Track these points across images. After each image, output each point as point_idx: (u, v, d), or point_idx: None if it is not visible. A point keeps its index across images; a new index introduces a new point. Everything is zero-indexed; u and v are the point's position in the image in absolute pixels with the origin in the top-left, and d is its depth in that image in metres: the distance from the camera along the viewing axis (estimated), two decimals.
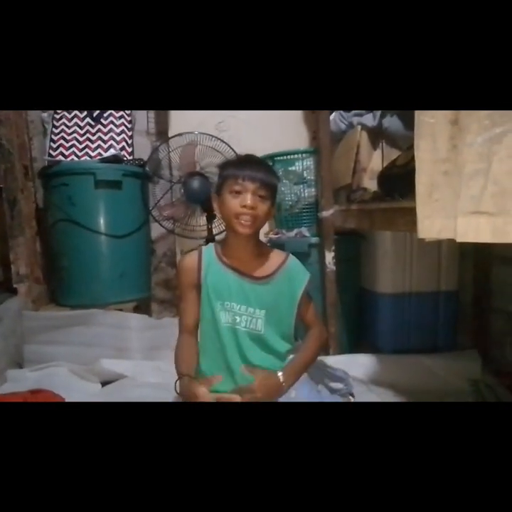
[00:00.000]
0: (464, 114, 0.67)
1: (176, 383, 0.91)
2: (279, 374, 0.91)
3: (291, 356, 1.00)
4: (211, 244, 1.01)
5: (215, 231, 1.77)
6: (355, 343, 1.67)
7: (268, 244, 1.04)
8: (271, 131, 1.96)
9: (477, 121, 0.65)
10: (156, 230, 2.00)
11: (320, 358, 1.08)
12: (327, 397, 0.98)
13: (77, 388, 1.42)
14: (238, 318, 0.93)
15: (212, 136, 1.73)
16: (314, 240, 1.61)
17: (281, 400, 0.91)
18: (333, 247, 1.52)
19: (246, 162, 0.93)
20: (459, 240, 0.67)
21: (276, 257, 0.99)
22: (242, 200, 0.87)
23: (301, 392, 0.93)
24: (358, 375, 1.38)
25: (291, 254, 1.01)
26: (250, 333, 0.94)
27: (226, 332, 0.93)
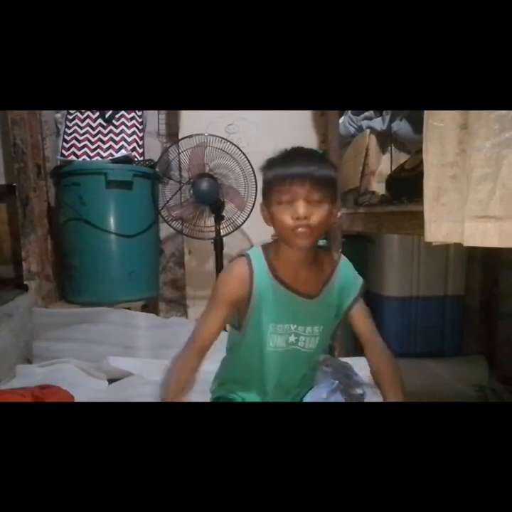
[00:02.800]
0: (473, 119, 0.67)
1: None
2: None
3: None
4: (258, 252, 0.84)
5: (223, 232, 1.78)
6: (361, 346, 1.67)
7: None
8: (280, 133, 1.97)
9: (486, 125, 0.65)
10: (164, 230, 2.02)
11: (344, 359, 1.06)
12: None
13: (84, 385, 1.44)
14: (294, 338, 0.83)
15: (222, 137, 1.74)
16: (322, 242, 1.61)
17: (311, 399, 0.90)
18: (340, 250, 1.52)
19: (290, 160, 0.76)
20: (466, 244, 0.68)
21: (327, 261, 0.86)
22: (293, 211, 0.73)
23: (331, 398, 0.92)
24: (364, 378, 1.38)
25: (343, 256, 0.89)
26: (300, 352, 0.85)
27: (271, 356, 0.84)
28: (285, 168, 0.74)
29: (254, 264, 0.81)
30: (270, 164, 0.79)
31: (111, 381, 1.49)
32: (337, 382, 0.96)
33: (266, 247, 0.84)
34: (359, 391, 1.01)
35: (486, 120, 0.65)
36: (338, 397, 0.94)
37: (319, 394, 0.92)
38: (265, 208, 0.79)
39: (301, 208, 0.72)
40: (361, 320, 0.87)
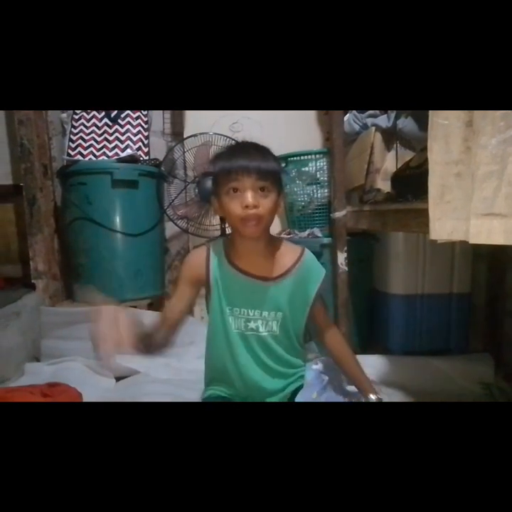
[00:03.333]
0: (479, 116, 0.67)
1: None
2: (372, 397, 0.91)
3: (313, 361, 0.98)
4: (219, 241, 0.91)
5: (228, 231, 1.79)
6: (366, 344, 1.67)
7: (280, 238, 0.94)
8: (284, 132, 1.97)
9: (492, 123, 0.65)
10: (169, 229, 2.03)
11: None
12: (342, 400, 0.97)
13: (91, 383, 1.45)
14: (253, 324, 0.87)
15: (227, 136, 1.75)
16: (326, 240, 1.62)
17: (302, 399, 0.90)
18: (346, 248, 1.52)
19: (237, 152, 0.80)
20: (471, 241, 0.67)
21: (290, 253, 0.90)
22: (242, 199, 0.77)
23: (322, 396, 0.93)
24: (368, 375, 1.38)
25: (306, 249, 0.93)
26: (264, 337, 0.89)
27: (236, 338, 0.88)
28: (233, 160, 0.77)
29: (212, 250, 0.89)
30: (219, 157, 0.82)
31: (118, 379, 1.51)
32: (327, 378, 0.96)
33: (227, 238, 0.92)
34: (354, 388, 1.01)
35: (492, 117, 0.64)
36: (330, 395, 0.94)
37: (309, 393, 0.91)
38: (215, 199, 0.83)
39: (249, 197, 0.76)
40: (320, 310, 0.94)
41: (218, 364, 0.93)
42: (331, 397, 0.94)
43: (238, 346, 0.89)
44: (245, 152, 0.79)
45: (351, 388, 1.03)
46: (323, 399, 0.92)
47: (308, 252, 0.92)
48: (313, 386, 0.94)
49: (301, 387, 0.94)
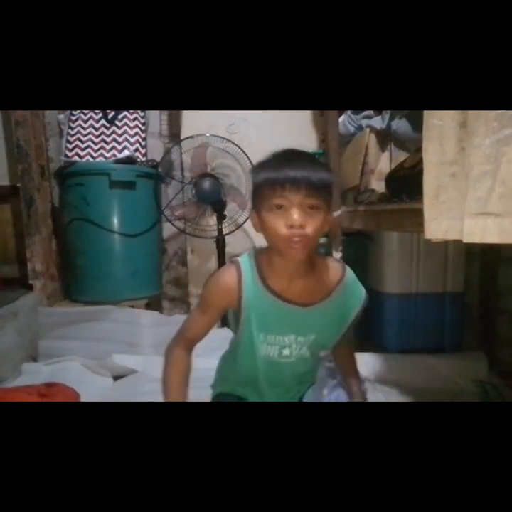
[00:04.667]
0: (473, 117, 0.68)
1: None
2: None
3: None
4: (249, 259, 0.78)
5: (225, 231, 1.80)
6: (361, 343, 1.69)
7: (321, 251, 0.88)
8: (280, 133, 1.99)
9: (485, 123, 0.66)
10: (167, 230, 2.04)
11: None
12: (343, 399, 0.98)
13: (89, 382, 1.46)
14: (285, 351, 0.80)
15: (223, 138, 1.76)
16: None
17: (313, 398, 0.90)
18: (341, 248, 1.54)
19: (283, 161, 0.69)
20: (465, 240, 0.68)
21: (331, 272, 0.80)
22: (287, 217, 0.66)
23: (332, 394, 0.92)
24: (363, 374, 1.40)
25: (347, 267, 0.83)
26: (292, 361, 0.82)
27: (263, 363, 0.81)
28: (278, 172, 0.67)
29: (244, 273, 0.76)
30: (261, 167, 0.71)
31: (116, 378, 1.51)
32: (338, 377, 0.97)
33: (259, 253, 0.79)
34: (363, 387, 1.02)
35: (486, 118, 0.65)
36: (340, 394, 0.93)
37: (320, 390, 0.92)
38: (255, 215, 0.72)
39: (296, 215, 0.66)
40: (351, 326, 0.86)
41: (239, 379, 0.89)
42: (341, 395, 0.92)
43: (264, 372, 0.83)
44: (293, 162, 0.68)
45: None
46: (333, 397, 0.91)
47: (349, 271, 0.83)
48: (324, 383, 0.94)
49: (310, 385, 0.93)
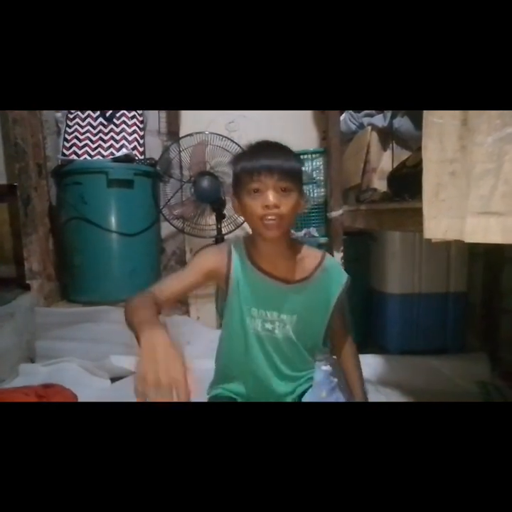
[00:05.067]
0: (474, 115, 0.66)
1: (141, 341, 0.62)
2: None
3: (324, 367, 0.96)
4: (239, 241, 0.88)
5: (224, 231, 1.78)
6: (363, 344, 1.67)
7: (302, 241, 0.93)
8: (281, 131, 1.95)
9: (487, 121, 0.64)
10: (165, 229, 2.02)
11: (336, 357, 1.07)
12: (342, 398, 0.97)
13: (87, 384, 1.45)
14: (269, 326, 0.86)
15: (223, 136, 1.74)
16: (323, 240, 1.62)
17: (310, 399, 0.89)
18: (342, 247, 1.52)
19: (258, 151, 0.78)
20: (467, 240, 0.67)
21: (311, 257, 0.88)
22: (263, 199, 0.75)
23: (331, 397, 0.92)
24: (365, 375, 1.38)
25: (327, 253, 0.91)
26: (278, 339, 0.87)
27: (252, 338, 0.87)
28: (254, 160, 0.76)
29: (234, 249, 0.86)
30: (239, 157, 0.81)
31: (113, 380, 1.50)
32: (336, 380, 0.96)
33: (246, 238, 0.89)
34: None
35: (488, 116, 0.64)
36: (339, 396, 0.93)
37: (319, 393, 0.91)
38: (235, 199, 0.81)
39: (270, 196, 0.74)
40: (339, 318, 0.92)
41: (231, 363, 0.92)
42: (340, 398, 0.93)
43: (253, 347, 0.87)
44: (266, 152, 0.78)
45: None
46: (332, 399, 0.91)
47: (329, 257, 0.90)
48: (323, 386, 0.93)
49: (309, 388, 0.93)
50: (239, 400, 0.94)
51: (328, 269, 0.88)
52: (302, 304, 0.86)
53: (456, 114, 0.70)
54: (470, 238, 0.66)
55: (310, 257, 0.88)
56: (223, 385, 0.95)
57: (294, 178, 0.78)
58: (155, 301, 0.75)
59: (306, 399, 0.90)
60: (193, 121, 1.95)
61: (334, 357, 1.01)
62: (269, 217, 0.75)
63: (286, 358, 0.90)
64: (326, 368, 0.97)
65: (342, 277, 0.89)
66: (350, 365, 0.97)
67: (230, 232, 1.80)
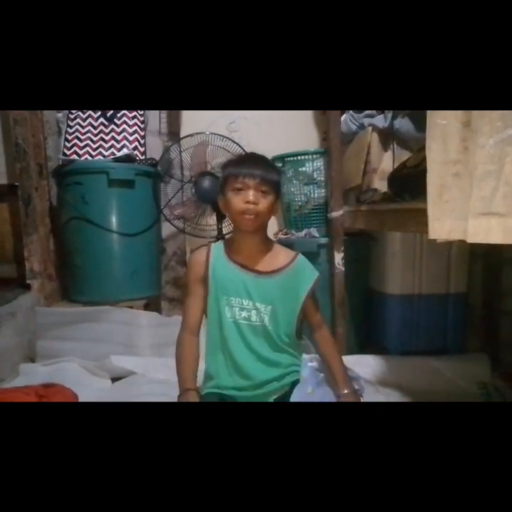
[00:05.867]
0: (476, 116, 0.67)
1: (178, 398, 0.93)
2: (345, 391, 0.96)
3: (307, 357, 1.04)
4: (220, 242, 1.03)
5: (224, 231, 1.78)
6: (363, 344, 1.68)
7: (278, 243, 1.06)
8: (281, 132, 1.97)
9: (489, 122, 0.65)
10: (166, 229, 2.02)
11: (346, 357, 1.10)
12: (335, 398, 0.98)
13: (87, 384, 1.44)
14: (246, 313, 0.96)
15: (223, 136, 1.74)
16: (323, 240, 1.62)
17: (298, 396, 0.94)
18: (342, 248, 1.52)
19: (246, 160, 0.96)
20: (469, 240, 0.67)
21: (284, 255, 1.01)
22: (244, 196, 0.90)
23: (318, 391, 0.95)
24: (365, 376, 1.38)
25: (300, 254, 1.02)
26: (255, 327, 0.96)
27: (230, 327, 0.96)
28: (242, 164, 0.92)
29: (212, 249, 1.00)
30: (229, 163, 0.97)
31: (114, 380, 1.50)
32: (322, 375, 0.99)
33: (227, 239, 1.05)
34: (355, 386, 1.02)
35: (490, 118, 0.65)
36: (326, 390, 0.98)
37: (305, 388, 0.95)
38: (222, 197, 0.96)
39: (251, 194, 0.90)
40: (311, 310, 1.03)
41: (214, 354, 1.00)
42: (326, 392, 0.97)
43: (231, 333, 0.96)
44: (252, 161, 0.94)
45: (356, 387, 1.03)
46: (318, 394, 0.96)
47: (302, 256, 1.02)
48: (309, 381, 0.99)
49: (297, 381, 0.99)
50: (226, 393, 0.98)
51: (300, 266, 1.00)
52: (275, 294, 0.97)
53: (459, 115, 0.70)
54: (472, 239, 0.67)
55: (284, 254, 1.01)
56: (211, 383, 1.00)
57: (272, 184, 0.92)
58: (195, 341, 0.99)
59: (294, 395, 0.95)
60: (193, 121, 1.95)
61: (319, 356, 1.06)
62: (248, 213, 0.90)
63: (265, 344, 0.98)
64: (312, 364, 1.04)
65: (312, 274, 1.01)
66: (329, 350, 1.03)
67: (231, 232, 1.80)
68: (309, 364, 1.04)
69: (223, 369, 0.99)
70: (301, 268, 1.00)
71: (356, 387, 1.03)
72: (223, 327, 0.97)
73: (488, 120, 0.65)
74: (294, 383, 0.99)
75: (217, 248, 1.00)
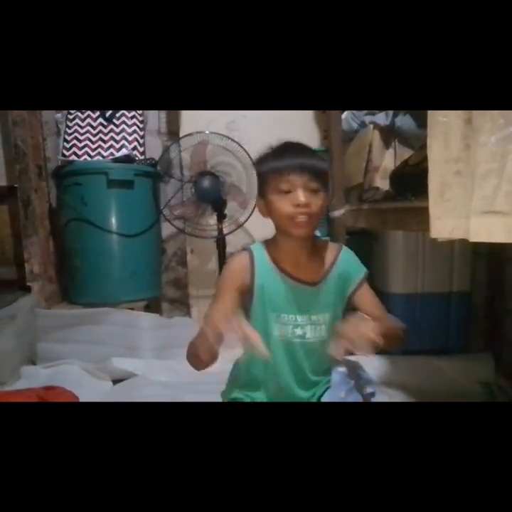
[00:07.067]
0: (478, 114, 0.66)
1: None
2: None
3: None
4: (260, 245, 0.87)
5: (225, 231, 1.77)
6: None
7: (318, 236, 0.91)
8: (281, 130, 1.92)
9: (491, 120, 0.64)
10: (166, 229, 2.01)
11: (352, 358, 1.06)
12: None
13: (88, 386, 1.44)
14: (300, 331, 0.84)
15: (223, 135, 1.73)
16: (325, 239, 1.60)
17: (329, 399, 0.87)
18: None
19: (286, 153, 0.79)
20: (472, 239, 0.67)
21: (329, 252, 0.87)
22: (293, 198, 0.75)
23: (349, 397, 0.91)
24: (372, 376, 1.37)
25: (344, 247, 0.90)
26: (309, 342, 0.85)
27: (278, 345, 0.84)
28: (282, 160, 0.77)
29: (256, 255, 0.84)
30: (265, 158, 0.82)
31: (115, 382, 1.49)
32: (353, 382, 0.96)
33: (266, 242, 0.87)
34: (370, 390, 1.00)
35: (491, 115, 0.64)
36: (357, 397, 0.92)
37: (337, 393, 0.91)
38: (261, 200, 0.81)
39: (301, 195, 0.75)
40: (367, 302, 0.87)
41: (253, 369, 0.89)
42: (358, 398, 0.91)
43: (278, 354, 0.84)
44: (295, 152, 0.78)
45: (371, 390, 1.02)
46: (350, 399, 0.89)
47: (345, 250, 0.89)
48: (341, 386, 0.92)
49: (326, 390, 0.92)
50: (255, 399, 0.90)
51: (344, 264, 0.86)
52: (330, 300, 0.85)
53: (460, 113, 0.69)
54: (474, 238, 0.66)
55: (328, 252, 0.87)
56: (242, 390, 0.92)
57: (323, 178, 0.78)
58: (217, 350, 0.75)
59: (325, 399, 0.89)
60: (193, 120, 1.94)
61: (347, 361, 0.97)
62: (300, 216, 0.76)
63: (316, 364, 0.88)
64: (343, 369, 0.96)
65: (359, 271, 0.88)
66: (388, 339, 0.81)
67: (231, 232, 1.79)
68: (340, 370, 0.96)
69: (262, 383, 0.89)
70: (347, 263, 0.87)
71: (371, 390, 1.01)
72: (269, 346, 0.80)
73: (490, 117, 0.64)
74: (323, 393, 0.91)
75: (259, 253, 0.85)
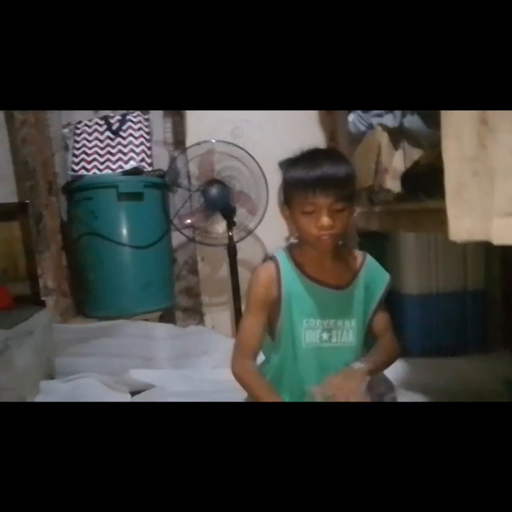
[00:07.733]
0: (493, 113, 0.65)
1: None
2: (360, 365, 0.83)
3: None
4: (283, 252, 0.88)
5: (235, 238, 1.78)
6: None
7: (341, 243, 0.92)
8: (286, 133, 1.94)
9: (508, 119, 0.63)
10: (176, 239, 2.02)
11: None
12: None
13: (107, 399, 1.44)
14: (326, 335, 0.85)
15: (230, 143, 1.73)
16: None
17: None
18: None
19: (313, 168, 0.76)
20: (495, 242, 0.65)
21: (354, 259, 0.89)
22: (317, 220, 0.75)
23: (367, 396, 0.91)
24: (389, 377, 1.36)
25: (368, 255, 0.92)
26: (336, 347, 0.86)
27: (306, 353, 0.85)
28: (308, 176, 0.75)
29: (281, 264, 0.85)
30: (292, 165, 0.80)
31: (133, 393, 1.49)
32: (375, 388, 0.95)
33: (290, 248, 0.89)
34: (392, 395, 0.99)
35: (508, 114, 0.63)
36: (372, 397, 0.92)
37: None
38: (287, 210, 0.82)
39: (325, 220, 0.75)
40: (381, 328, 0.91)
41: (278, 373, 0.90)
42: (372, 397, 0.91)
43: (305, 359, 0.86)
44: (320, 168, 0.75)
45: (393, 395, 1.01)
46: (368, 398, 0.89)
47: (370, 258, 0.91)
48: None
49: None
50: None
51: (370, 270, 0.88)
52: (356, 306, 0.86)
53: (474, 112, 0.69)
54: (498, 240, 0.65)
55: (353, 257, 0.89)
56: None
57: (349, 195, 0.76)
58: (255, 366, 0.87)
59: None
60: (198, 129, 1.95)
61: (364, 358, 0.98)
62: (324, 237, 0.77)
63: (342, 366, 0.87)
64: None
65: (384, 277, 0.90)
66: (385, 356, 0.92)
67: (241, 239, 1.79)
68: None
69: (286, 388, 0.89)
70: (372, 272, 0.88)
71: (394, 395, 1.00)
72: (297, 352, 0.85)
73: (507, 116, 0.63)
74: None
75: (284, 261, 0.86)
